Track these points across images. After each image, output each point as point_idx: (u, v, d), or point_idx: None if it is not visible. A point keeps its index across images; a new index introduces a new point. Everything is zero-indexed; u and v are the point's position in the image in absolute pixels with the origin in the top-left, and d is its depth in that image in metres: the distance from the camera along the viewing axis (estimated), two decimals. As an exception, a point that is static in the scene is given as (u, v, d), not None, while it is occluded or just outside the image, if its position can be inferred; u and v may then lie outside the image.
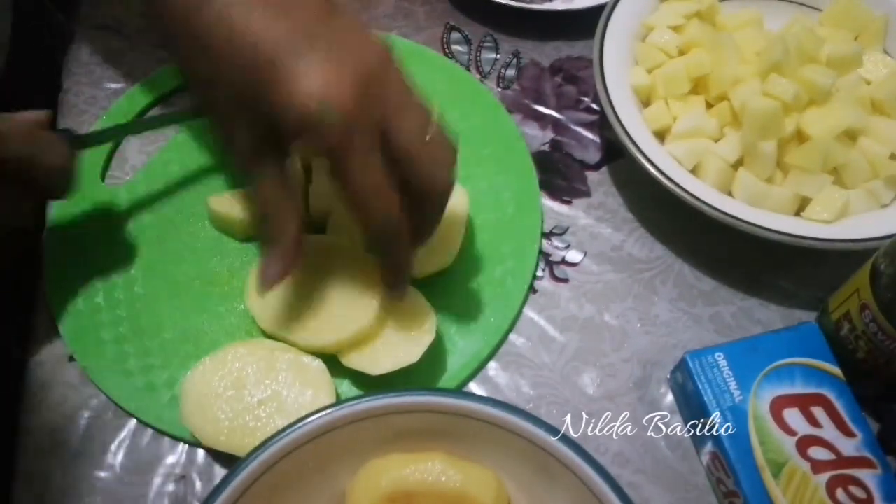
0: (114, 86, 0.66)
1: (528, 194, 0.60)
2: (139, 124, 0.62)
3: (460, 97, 0.65)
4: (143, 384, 0.53)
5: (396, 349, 0.51)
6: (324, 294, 0.52)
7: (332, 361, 0.51)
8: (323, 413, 0.42)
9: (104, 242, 0.58)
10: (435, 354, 0.53)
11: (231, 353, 0.51)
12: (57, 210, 0.59)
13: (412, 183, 0.45)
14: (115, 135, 0.60)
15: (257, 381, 0.50)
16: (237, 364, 0.51)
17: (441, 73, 0.66)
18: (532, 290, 0.57)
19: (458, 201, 0.55)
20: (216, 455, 0.51)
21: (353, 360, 0.51)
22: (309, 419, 0.42)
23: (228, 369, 0.50)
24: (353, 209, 0.45)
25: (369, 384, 0.51)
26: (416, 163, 0.45)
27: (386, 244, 0.47)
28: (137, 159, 0.62)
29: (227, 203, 0.57)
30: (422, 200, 0.46)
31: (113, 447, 0.51)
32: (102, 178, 0.61)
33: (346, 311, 0.51)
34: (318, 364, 0.51)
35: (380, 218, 0.45)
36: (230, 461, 0.50)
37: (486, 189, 0.60)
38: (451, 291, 0.54)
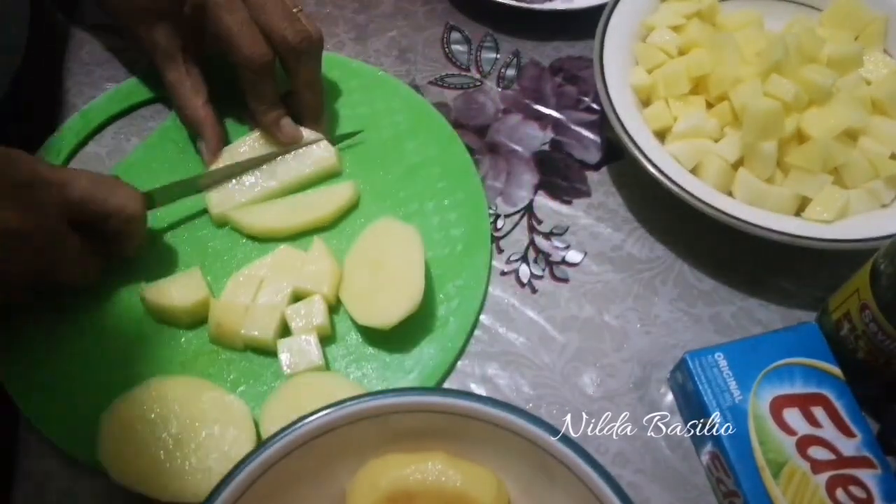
0: (114, 86, 0.66)
1: (478, 232, 0.58)
2: (207, 176, 0.58)
3: (418, 126, 0.63)
4: (65, 410, 0.50)
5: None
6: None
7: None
8: (323, 413, 0.42)
9: None
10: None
11: (155, 387, 0.49)
12: None
13: (272, 37, 0.55)
14: (182, 192, 0.57)
15: (179, 418, 0.48)
16: (159, 400, 0.49)
17: (400, 101, 0.64)
18: (532, 290, 0.57)
19: (413, 244, 0.53)
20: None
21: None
22: (309, 419, 0.42)
23: (150, 405, 0.49)
24: (229, 47, 0.55)
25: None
26: (268, 10, 0.55)
27: (260, 78, 0.56)
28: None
29: (165, 292, 0.53)
30: (286, 54, 0.56)
31: (113, 447, 0.51)
32: None
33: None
34: (240, 404, 0.49)
35: (249, 46, 0.55)
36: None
37: (437, 225, 0.58)
38: (389, 330, 0.52)
